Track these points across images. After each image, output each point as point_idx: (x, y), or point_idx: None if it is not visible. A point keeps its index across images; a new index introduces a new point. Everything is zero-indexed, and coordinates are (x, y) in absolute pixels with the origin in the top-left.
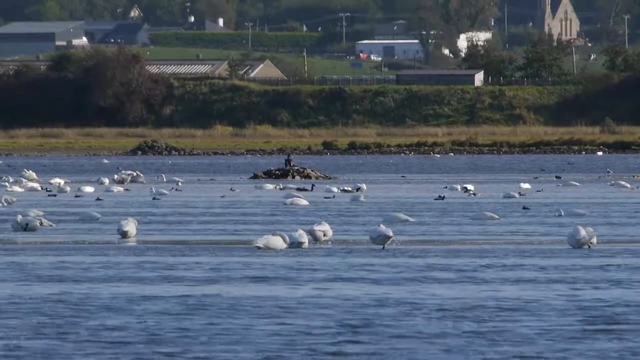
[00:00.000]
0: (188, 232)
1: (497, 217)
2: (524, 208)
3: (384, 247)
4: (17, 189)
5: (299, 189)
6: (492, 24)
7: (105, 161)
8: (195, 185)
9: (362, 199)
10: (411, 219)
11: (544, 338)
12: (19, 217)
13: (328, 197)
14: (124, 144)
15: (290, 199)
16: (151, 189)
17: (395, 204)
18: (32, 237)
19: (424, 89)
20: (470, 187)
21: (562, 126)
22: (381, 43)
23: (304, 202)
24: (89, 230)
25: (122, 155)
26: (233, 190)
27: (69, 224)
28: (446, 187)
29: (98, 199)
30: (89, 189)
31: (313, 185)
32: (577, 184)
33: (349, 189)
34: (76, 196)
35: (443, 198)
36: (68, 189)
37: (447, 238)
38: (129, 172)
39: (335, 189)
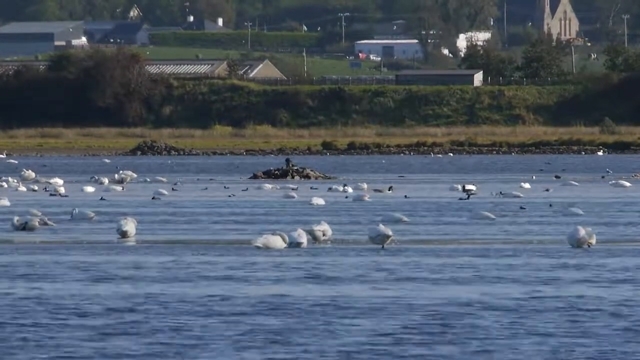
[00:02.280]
0: (204, 232)
1: (493, 216)
2: (521, 208)
3: (383, 247)
4: (21, 188)
5: (330, 189)
6: (491, 23)
7: (107, 161)
8: (195, 185)
9: (367, 198)
10: (406, 219)
11: (552, 338)
12: (17, 218)
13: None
14: (124, 144)
15: (315, 199)
16: (158, 190)
17: (399, 204)
18: (31, 237)
19: (423, 89)
20: (471, 187)
21: (562, 126)
22: (380, 43)
23: (322, 201)
24: (87, 230)
25: (122, 156)
26: (244, 190)
27: (65, 223)
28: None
29: (102, 198)
30: (89, 188)
31: (345, 184)
32: (576, 183)
33: (380, 189)
34: (65, 196)
35: (468, 197)
36: (62, 189)
37: (446, 237)
38: (128, 172)
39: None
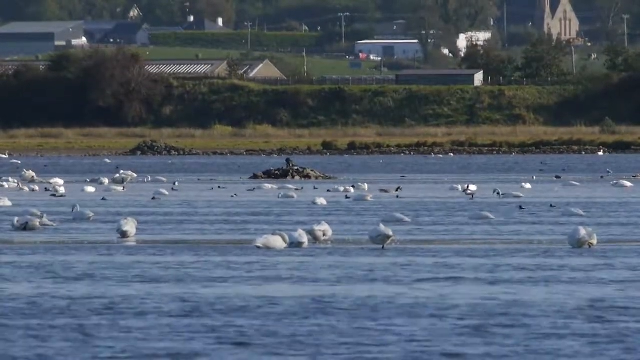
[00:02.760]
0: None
1: (492, 216)
2: (520, 207)
3: (383, 247)
4: (22, 188)
5: (334, 188)
6: (492, 23)
7: (107, 161)
8: (195, 185)
9: (369, 198)
10: (407, 219)
11: (555, 338)
12: (17, 218)
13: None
14: (124, 144)
15: (319, 199)
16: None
17: (401, 204)
18: (32, 237)
19: (423, 89)
20: (472, 187)
21: (562, 126)
22: (381, 43)
23: (325, 202)
24: (88, 230)
25: (122, 156)
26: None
27: (66, 223)
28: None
29: (103, 198)
30: (90, 189)
31: (353, 185)
32: (577, 184)
33: (386, 189)
34: (60, 196)
35: (472, 198)
36: (62, 189)
37: (446, 238)
38: (129, 172)
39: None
